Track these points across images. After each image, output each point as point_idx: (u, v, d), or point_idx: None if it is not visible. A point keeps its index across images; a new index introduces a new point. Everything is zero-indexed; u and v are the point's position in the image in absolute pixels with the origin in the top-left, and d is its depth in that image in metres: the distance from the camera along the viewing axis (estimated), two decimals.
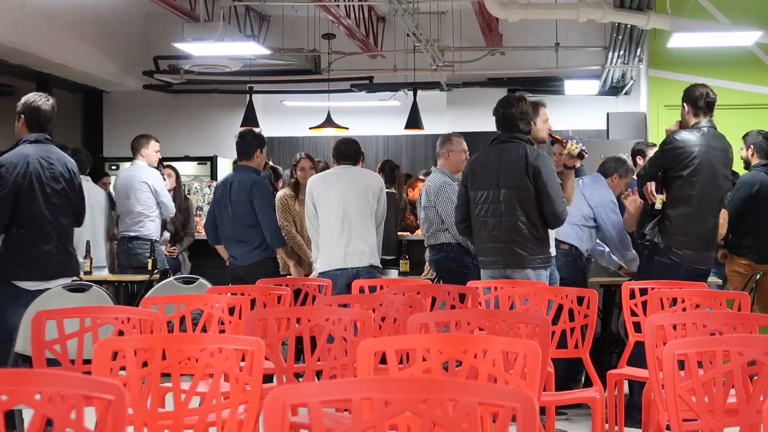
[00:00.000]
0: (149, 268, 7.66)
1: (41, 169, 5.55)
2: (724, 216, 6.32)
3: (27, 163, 5.51)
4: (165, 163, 9.12)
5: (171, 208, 8.44)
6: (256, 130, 8.62)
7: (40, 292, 5.31)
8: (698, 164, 5.86)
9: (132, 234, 8.24)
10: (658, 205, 6.01)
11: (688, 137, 5.91)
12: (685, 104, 6.02)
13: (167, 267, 8.02)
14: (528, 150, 5.68)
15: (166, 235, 8.69)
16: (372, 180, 6.78)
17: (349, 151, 6.78)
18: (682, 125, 6.07)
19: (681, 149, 5.90)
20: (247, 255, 7.06)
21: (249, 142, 7.19)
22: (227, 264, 7.29)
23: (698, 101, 5.95)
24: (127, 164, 8.64)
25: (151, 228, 8.25)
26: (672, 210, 5.93)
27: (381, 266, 6.80)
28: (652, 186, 6.07)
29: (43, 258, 5.55)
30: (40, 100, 5.63)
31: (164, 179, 8.59)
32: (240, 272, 7.06)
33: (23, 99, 5.67)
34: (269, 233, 7.00)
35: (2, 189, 5.46)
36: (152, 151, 8.29)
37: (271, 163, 9.48)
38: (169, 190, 8.62)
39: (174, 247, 8.78)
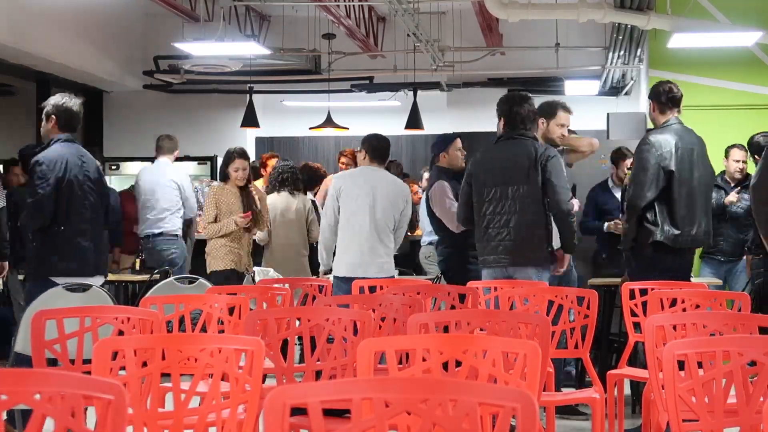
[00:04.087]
0: (137, 267, 7.69)
1: (78, 168, 5.67)
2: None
3: (66, 161, 5.62)
4: None
5: (195, 208, 8.62)
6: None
7: (82, 288, 5.35)
8: (678, 162, 5.76)
9: (156, 231, 8.36)
10: None
11: (663, 136, 5.80)
12: (651, 102, 5.94)
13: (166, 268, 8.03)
14: (537, 146, 5.72)
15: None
16: (403, 190, 6.50)
17: (383, 150, 6.48)
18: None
19: (660, 149, 5.77)
20: None
21: None
22: None
23: (660, 96, 5.86)
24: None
25: (177, 224, 8.41)
26: (660, 210, 5.80)
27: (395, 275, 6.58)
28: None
29: (83, 255, 5.67)
30: (71, 101, 5.72)
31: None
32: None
33: (52, 101, 5.74)
34: None
35: (46, 187, 5.55)
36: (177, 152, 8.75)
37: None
38: None
39: None
